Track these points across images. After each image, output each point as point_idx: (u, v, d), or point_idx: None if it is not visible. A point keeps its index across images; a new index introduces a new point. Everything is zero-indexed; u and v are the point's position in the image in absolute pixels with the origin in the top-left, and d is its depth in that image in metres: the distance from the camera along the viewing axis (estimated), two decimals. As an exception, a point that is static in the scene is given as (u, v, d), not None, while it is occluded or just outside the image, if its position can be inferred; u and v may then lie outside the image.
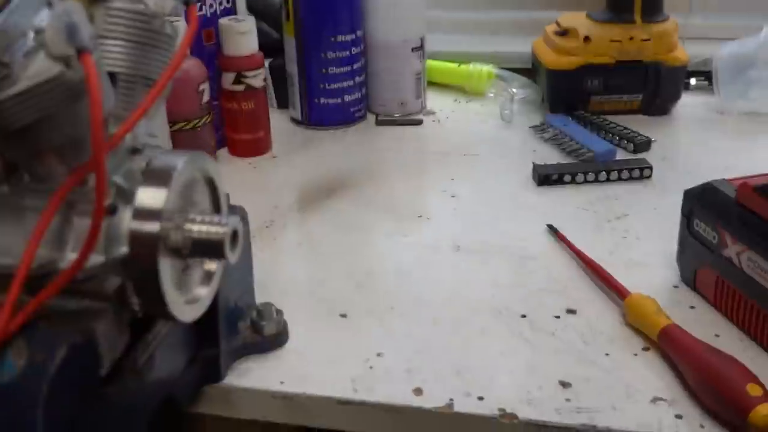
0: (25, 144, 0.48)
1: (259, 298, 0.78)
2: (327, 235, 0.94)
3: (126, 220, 0.52)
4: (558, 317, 0.77)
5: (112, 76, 0.55)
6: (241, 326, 0.73)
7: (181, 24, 1.02)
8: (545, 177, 1.04)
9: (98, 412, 0.51)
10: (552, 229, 0.92)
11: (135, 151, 0.55)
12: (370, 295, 0.82)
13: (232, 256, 0.56)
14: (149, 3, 0.55)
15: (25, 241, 0.52)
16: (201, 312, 0.58)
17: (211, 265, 0.58)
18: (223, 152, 1.16)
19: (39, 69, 0.45)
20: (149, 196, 0.52)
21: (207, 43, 1.11)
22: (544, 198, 1.01)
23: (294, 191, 1.06)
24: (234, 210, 0.72)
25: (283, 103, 1.30)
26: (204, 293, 0.58)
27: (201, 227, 0.54)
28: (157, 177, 0.53)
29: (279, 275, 0.86)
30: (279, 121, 1.26)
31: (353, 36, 1.21)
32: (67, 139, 0.48)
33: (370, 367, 0.71)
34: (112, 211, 0.52)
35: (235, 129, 1.14)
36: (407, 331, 0.76)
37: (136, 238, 0.51)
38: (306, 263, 0.89)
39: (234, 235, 0.56)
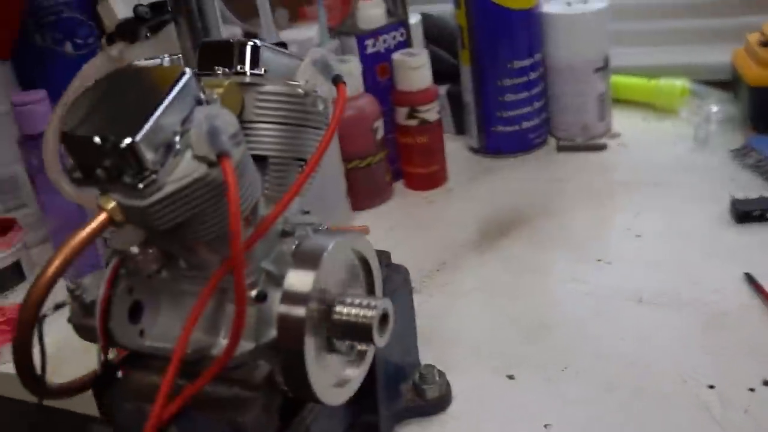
0: (175, 239, 0.49)
1: (424, 350, 0.76)
2: (499, 279, 0.91)
3: (275, 305, 0.52)
4: (753, 390, 0.68)
5: (264, 160, 0.55)
6: (403, 389, 0.72)
7: (354, 64, 1.03)
8: (745, 213, 0.93)
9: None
10: (751, 279, 0.82)
11: (285, 233, 0.55)
12: (540, 352, 0.77)
13: (380, 341, 0.54)
14: (300, 83, 0.55)
15: (182, 326, 0.54)
16: (349, 395, 0.57)
17: (363, 346, 0.57)
18: (399, 186, 1.16)
19: (185, 171, 0.46)
20: (297, 280, 0.52)
21: (381, 77, 1.11)
22: (743, 238, 0.91)
23: (469, 227, 1.03)
24: (396, 270, 0.71)
25: (461, 130, 1.27)
26: (354, 375, 0.57)
27: (350, 310, 0.53)
28: (306, 260, 0.52)
29: (446, 324, 0.84)
30: (457, 149, 1.24)
31: (531, 60, 1.15)
32: (216, 233, 0.48)
33: (536, 440, 0.67)
34: (262, 298, 0.52)
35: (410, 163, 1.13)
36: (579, 397, 0.71)
37: (283, 322, 0.51)
38: (475, 311, 0.86)
39: (383, 318, 0.54)
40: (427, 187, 1.14)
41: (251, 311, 0.52)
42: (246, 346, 0.52)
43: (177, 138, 0.46)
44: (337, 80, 0.54)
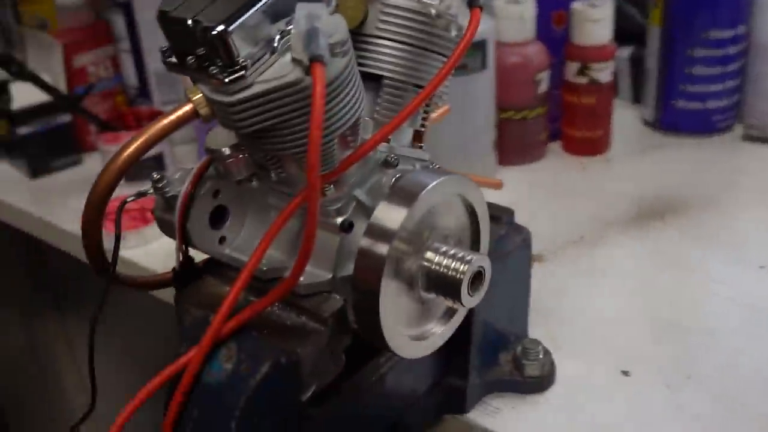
0: (261, 147, 0.45)
1: (535, 324, 0.70)
2: (639, 267, 0.82)
3: (360, 237, 0.48)
4: None
5: (379, 80, 0.50)
6: (502, 358, 0.66)
7: (527, 6, 0.94)
8: None
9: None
10: None
11: (388, 164, 0.49)
12: (665, 353, 0.68)
13: (469, 300, 0.48)
14: (434, 2, 0.49)
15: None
16: (428, 351, 0.51)
17: (450, 303, 0.52)
18: (555, 146, 1.07)
19: (277, 72, 0.42)
20: (386, 215, 0.47)
21: (556, 26, 1.02)
22: None
23: (620, 204, 0.93)
24: (516, 231, 0.64)
25: (638, 98, 1.16)
26: (438, 332, 0.52)
27: (441, 260, 0.48)
28: (401, 194, 0.47)
29: (567, 302, 0.76)
30: (627, 119, 1.13)
31: (733, 32, 1.02)
32: (303, 148, 0.44)
33: (639, 448, 0.59)
34: (347, 227, 0.48)
35: (571, 124, 1.04)
36: (700, 413, 0.62)
37: (363, 257, 0.47)
38: (602, 294, 0.78)
39: (477, 276, 0.48)
40: (586, 152, 1.04)
41: (333, 239, 0.48)
42: (322, 275, 0.48)
43: (278, 36, 0.42)
44: (473, 3, 0.47)
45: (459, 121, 0.93)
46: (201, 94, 0.43)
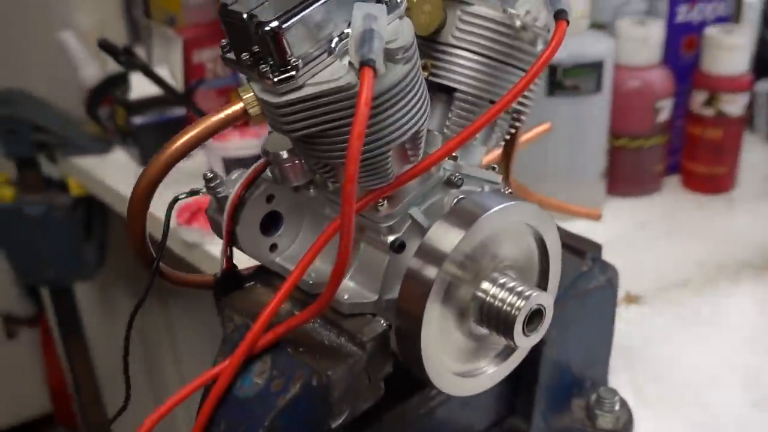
0: (313, 153, 0.42)
1: (619, 371, 0.64)
2: (749, 322, 0.74)
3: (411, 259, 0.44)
4: None
5: (451, 91, 0.47)
6: (575, 404, 0.61)
7: (655, 28, 0.88)
8: None
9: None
10: None
11: (450, 183, 0.46)
12: (763, 426, 0.61)
13: (524, 340, 0.44)
14: (519, 12, 0.45)
15: (318, 253, 0.48)
16: (476, 390, 0.47)
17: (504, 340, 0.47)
18: (673, 180, 0.99)
19: (330, 75, 0.39)
20: (441, 235, 0.43)
21: (686, 51, 0.95)
22: None
23: (738, 249, 0.85)
24: (602, 268, 0.59)
25: (775, 136, 1.06)
26: (489, 371, 0.47)
27: (497, 292, 0.44)
28: (461, 216, 0.43)
29: (662, 351, 0.70)
30: (759, 157, 1.03)
31: None
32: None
33: None
34: (398, 247, 0.44)
35: (692, 158, 0.96)
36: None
37: (409, 278, 0.43)
38: (704, 349, 0.70)
39: (536, 314, 0.44)
40: (706, 190, 0.96)
41: (382, 259, 0.45)
42: (367, 296, 0.45)
43: (336, 38, 0.39)
44: (559, 16, 0.43)
45: (567, 144, 0.88)
46: (252, 93, 0.41)
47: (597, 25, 0.94)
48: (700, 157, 0.95)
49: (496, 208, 0.43)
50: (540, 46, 0.47)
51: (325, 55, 0.39)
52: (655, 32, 0.90)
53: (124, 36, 1.27)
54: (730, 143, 0.94)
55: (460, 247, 0.42)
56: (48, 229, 1.24)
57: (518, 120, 0.48)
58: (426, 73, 0.46)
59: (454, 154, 0.47)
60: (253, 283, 0.50)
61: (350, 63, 0.39)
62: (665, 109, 0.92)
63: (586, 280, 0.58)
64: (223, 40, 0.42)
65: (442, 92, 0.47)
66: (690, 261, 0.83)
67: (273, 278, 0.50)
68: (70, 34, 1.20)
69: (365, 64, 0.36)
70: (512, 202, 0.44)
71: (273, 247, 0.49)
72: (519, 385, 0.57)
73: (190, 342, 1.55)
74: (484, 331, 0.45)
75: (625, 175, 0.95)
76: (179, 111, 1.12)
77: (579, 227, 0.62)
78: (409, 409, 0.50)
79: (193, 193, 0.47)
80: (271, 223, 0.48)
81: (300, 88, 0.39)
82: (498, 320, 0.44)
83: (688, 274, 0.81)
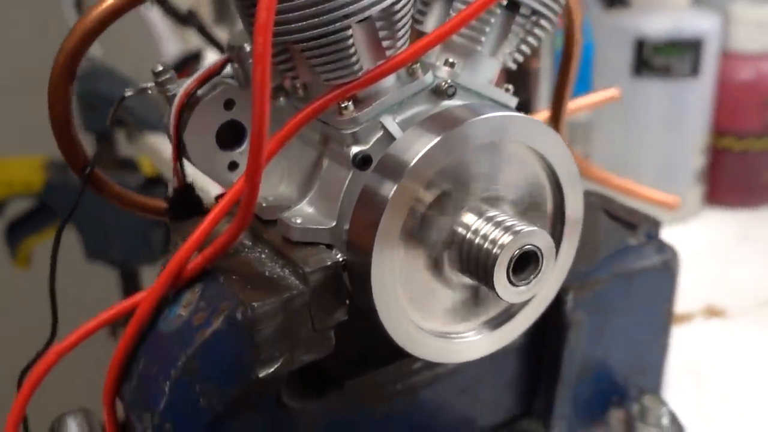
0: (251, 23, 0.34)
1: (680, 388, 0.53)
2: None
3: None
4: None
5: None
6: (613, 417, 0.49)
7: None
8: None
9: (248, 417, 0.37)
10: None
11: (439, 91, 0.36)
12: None
13: (507, 292, 0.34)
14: None
15: (283, 175, 0.40)
16: (453, 360, 0.37)
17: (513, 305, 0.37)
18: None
19: None
20: (407, 143, 0.34)
21: (813, 43, 0.81)
22: None
23: None
24: (657, 248, 0.47)
25: None
26: (472, 339, 0.37)
27: (479, 225, 0.34)
28: (438, 121, 0.34)
29: (734, 372, 0.57)
30: None
31: None
32: (308, 34, 0.33)
33: None
34: (360, 162, 0.35)
35: (813, 167, 0.81)
36: None
37: (364, 197, 0.34)
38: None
39: (525, 258, 0.34)
40: (829, 207, 0.81)
41: (343, 176, 0.36)
42: (322, 221, 0.36)
43: None
44: None
45: (655, 137, 0.76)
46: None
47: (706, 3, 0.82)
48: (823, 166, 0.80)
49: (490, 114, 0.34)
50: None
51: None
52: (774, 13, 0.77)
53: (210, 14, 1.25)
54: None
55: (430, 158, 0.33)
56: (117, 208, 1.22)
57: (540, 25, 0.38)
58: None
59: (450, 60, 0.37)
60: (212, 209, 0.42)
61: None
62: (781, 107, 0.78)
63: (635, 256, 0.46)
64: None
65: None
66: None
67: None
68: (155, 11, 1.19)
69: None
70: (514, 114, 0.35)
71: (233, 166, 0.41)
72: (539, 381, 0.47)
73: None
74: (465, 279, 0.35)
75: (728, 182, 0.81)
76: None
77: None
78: (382, 380, 0.41)
79: (142, 90, 0.40)
80: (231, 136, 0.41)
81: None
82: (478, 262, 0.34)
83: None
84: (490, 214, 0.34)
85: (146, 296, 0.36)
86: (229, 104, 0.40)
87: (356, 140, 0.36)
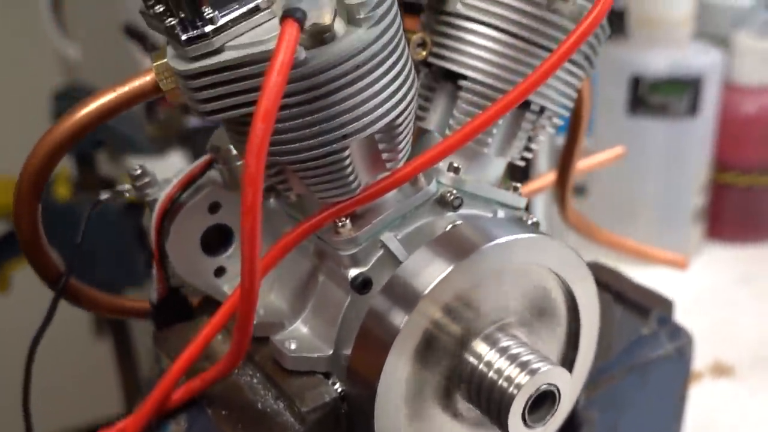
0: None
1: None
2: None
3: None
4: None
5: (457, 78, 0.34)
6: (625, 506, 0.46)
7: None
8: None
9: None
10: None
11: (444, 202, 0.33)
12: None
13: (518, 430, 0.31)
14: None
15: (273, 283, 0.37)
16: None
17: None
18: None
19: (256, 36, 0.28)
20: (418, 268, 0.31)
21: (817, 74, 0.78)
22: None
23: None
24: (671, 333, 0.44)
25: None
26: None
27: (493, 358, 0.31)
28: (449, 245, 0.31)
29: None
30: None
31: None
32: (292, 155, 0.30)
33: None
34: (360, 285, 0.32)
35: (817, 202, 0.79)
36: None
37: (369, 324, 0.31)
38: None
39: (542, 398, 0.31)
40: (833, 243, 0.79)
41: (341, 299, 0.33)
42: (319, 348, 0.33)
43: (271, -11, 0.28)
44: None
45: (653, 176, 0.73)
46: (165, 59, 0.30)
47: (708, 36, 0.79)
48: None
49: (503, 240, 0.31)
50: (567, 14, 0.34)
51: (257, 10, 0.28)
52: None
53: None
54: None
55: (445, 286, 0.30)
56: (100, 230, 1.18)
57: (550, 121, 0.35)
58: (424, 53, 0.34)
59: (455, 164, 0.34)
60: (200, 318, 0.39)
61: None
62: (785, 141, 0.76)
63: (648, 346, 0.44)
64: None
65: (446, 80, 0.35)
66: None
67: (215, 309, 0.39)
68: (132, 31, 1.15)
69: (288, 14, 0.25)
70: (528, 235, 0.32)
71: (219, 271, 0.38)
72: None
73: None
74: (473, 411, 0.33)
75: (731, 217, 0.79)
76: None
77: (661, 276, 0.47)
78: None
79: (118, 194, 0.37)
80: (217, 240, 0.37)
81: (217, 52, 0.28)
82: (490, 400, 0.31)
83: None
84: (504, 344, 0.31)
85: (130, 424, 0.33)
86: (214, 207, 0.36)
87: (355, 261, 0.32)
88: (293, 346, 0.33)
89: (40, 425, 0.38)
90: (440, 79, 0.35)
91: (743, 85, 0.75)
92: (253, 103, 0.28)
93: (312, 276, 0.35)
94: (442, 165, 0.34)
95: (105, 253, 1.20)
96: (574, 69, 0.35)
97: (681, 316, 0.45)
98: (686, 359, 0.45)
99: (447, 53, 0.34)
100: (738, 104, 0.75)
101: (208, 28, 0.27)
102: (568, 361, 0.36)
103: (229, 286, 0.38)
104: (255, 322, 0.35)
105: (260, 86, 0.27)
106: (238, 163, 0.35)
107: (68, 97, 1.18)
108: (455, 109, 0.34)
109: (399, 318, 0.30)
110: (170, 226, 0.35)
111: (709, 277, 0.74)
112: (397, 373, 0.30)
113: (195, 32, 0.28)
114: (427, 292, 0.30)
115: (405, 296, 0.30)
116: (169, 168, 1.09)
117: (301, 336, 0.34)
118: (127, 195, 0.37)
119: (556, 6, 0.33)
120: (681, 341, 0.45)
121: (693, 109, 0.69)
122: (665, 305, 0.46)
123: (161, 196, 0.35)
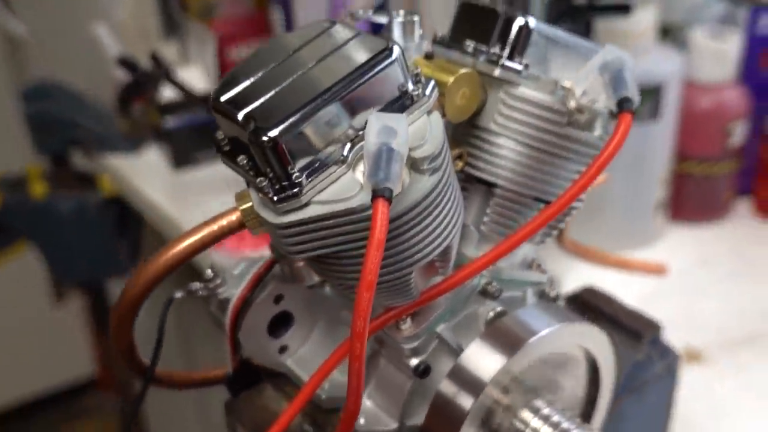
0: (322, 272, 0.36)
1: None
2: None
3: (438, 381, 0.38)
4: None
5: (490, 186, 0.40)
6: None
7: (732, 42, 0.79)
8: None
9: None
10: None
11: (486, 293, 0.39)
12: None
13: (566, 490, 0.38)
14: (576, 93, 0.37)
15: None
16: None
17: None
18: (744, 204, 0.90)
19: (341, 192, 0.33)
20: (478, 360, 0.37)
21: (765, 68, 0.85)
22: None
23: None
24: (661, 354, 0.52)
25: None
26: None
27: (537, 425, 0.37)
28: (502, 338, 0.37)
29: (724, 427, 0.62)
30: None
31: None
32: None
33: None
34: (422, 372, 0.38)
35: (766, 185, 0.87)
36: None
37: (439, 405, 0.37)
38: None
39: (580, 456, 0.38)
40: (781, 219, 0.87)
41: (404, 383, 0.39)
42: (386, 423, 0.39)
43: (348, 144, 0.33)
44: (623, 106, 0.36)
45: (619, 175, 0.79)
46: (250, 204, 0.34)
47: (667, 30, 0.85)
48: (774, 184, 0.86)
49: (545, 332, 0.37)
50: (597, 131, 0.39)
51: (335, 166, 0.33)
52: (732, 47, 0.80)
53: (159, 29, 1.21)
54: (809, 170, 0.84)
55: (500, 375, 0.36)
56: (79, 226, 1.21)
57: (568, 215, 0.41)
58: (461, 164, 0.39)
59: (491, 255, 0.40)
60: (263, 384, 0.45)
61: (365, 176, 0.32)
62: (738, 132, 0.83)
63: (643, 370, 0.51)
64: (219, 132, 0.36)
65: (479, 183, 0.40)
66: (759, 308, 0.75)
67: (283, 381, 0.44)
68: (103, 27, 1.15)
69: (379, 194, 0.30)
70: (564, 324, 0.38)
71: (283, 349, 0.43)
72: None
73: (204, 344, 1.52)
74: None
75: (689, 202, 0.86)
76: (211, 112, 1.07)
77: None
78: None
79: (191, 292, 0.41)
80: (280, 324, 0.42)
81: (304, 207, 0.33)
82: (537, 460, 0.37)
83: (757, 325, 0.73)
84: (545, 411, 0.38)
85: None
86: (278, 299, 0.41)
87: (415, 352, 0.38)
88: (362, 421, 0.39)
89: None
90: (473, 181, 0.40)
91: (699, 82, 0.82)
92: (334, 245, 0.33)
93: (373, 359, 0.40)
94: (479, 255, 0.40)
95: (87, 248, 1.22)
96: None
97: (652, 300, 0.51)
98: (674, 374, 0.53)
99: (481, 164, 0.39)
100: (696, 100, 0.82)
101: (296, 189, 0.32)
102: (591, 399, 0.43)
103: (291, 361, 0.43)
104: (323, 396, 0.41)
105: (343, 232, 0.33)
106: (299, 263, 0.40)
107: (37, 97, 1.18)
108: (489, 209, 0.40)
109: (467, 401, 0.36)
110: (242, 321, 0.40)
111: (673, 260, 0.81)
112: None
113: (285, 194, 0.32)
114: (489, 380, 0.36)
115: (471, 382, 0.37)
116: (146, 165, 1.12)
117: (367, 410, 0.40)
118: (200, 294, 0.41)
119: (574, 119, 0.38)
120: (670, 359, 0.52)
121: (655, 113, 0.75)
122: (654, 329, 0.53)
123: (233, 295, 0.40)
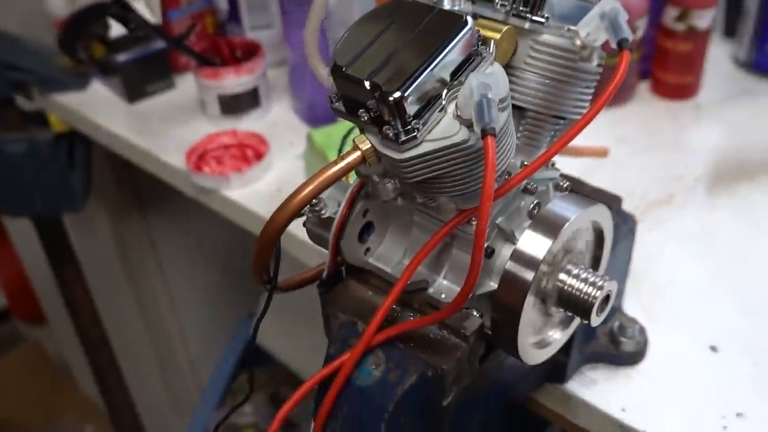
0: (420, 190, 0.49)
1: (629, 294, 0.74)
2: (728, 231, 0.85)
3: (502, 259, 0.52)
4: None
5: (521, 109, 0.53)
6: (599, 332, 0.71)
7: None
8: None
9: (437, 425, 0.55)
10: None
11: (527, 190, 0.53)
12: (755, 329, 0.73)
13: (596, 320, 0.53)
14: (581, 35, 0.50)
15: (405, 253, 0.55)
16: (547, 356, 0.57)
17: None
18: (644, 87, 1.07)
19: (445, 131, 0.45)
20: (533, 244, 0.51)
21: (658, -32, 1.00)
22: None
23: (709, 157, 0.95)
24: (624, 220, 0.67)
25: (731, 31, 1.14)
26: (557, 337, 0.57)
27: (575, 282, 0.52)
28: (546, 226, 0.51)
29: (657, 269, 0.80)
30: (719, 56, 1.12)
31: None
32: (462, 191, 0.48)
33: (724, 428, 0.65)
34: (490, 253, 0.52)
35: (663, 68, 1.04)
36: (783, 392, 0.67)
37: (508, 281, 0.51)
38: (691, 263, 0.81)
39: (605, 299, 0.53)
40: (675, 96, 1.05)
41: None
42: (461, 295, 0.53)
43: (444, 92, 0.45)
44: (622, 45, 0.49)
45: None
46: (370, 145, 0.46)
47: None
48: (671, 68, 1.03)
49: (574, 217, 0.51)
50: (595, 62, 0.53)
51: (437, 111, 0.45)
52: None
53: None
54: (698, 54, 1.01)
55: (548, 254, 0.50)
56: (31, 165, 1.25)
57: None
58: (499, 95, 0.52)
59: (526, 162, 0.53)
60: (346, 280, 0.57)
61: (458, 116, 0.45)
62: (640, 29, 0.98)
63: (615, 232, 0.66)
64: (333, 93, 0.46)
65: (515, 108, 0.53)
66: (670, 174, 0.92)
67: (364, 274, 0.57)
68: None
69: (488, 132, 0.42)
70: (584, 209, 0.52)
71: (366, 251, 0.55)
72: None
73: (173, 252, 1.61)
74: (558, 311, 0.54)
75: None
76: (160, 44, 1.12)
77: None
78: (488, 366, 0.59)
79: (302, 215, 0.53)
80: (363, 231, 0.55)
81: (419, 144, 0.45)
82: (576, 306, 0.52)
83: (670, 188, 0.90)
84: (576, 272, 0.52)
85: (347, 360, 0.51)
86: (365, 213, 0.53)
87: (482, 239, 0.52)
88: (443, 296, 0.53)
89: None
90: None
91: None
92: (441, 169, 0.46)
93: (445, 248, 0.53)
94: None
95: (40, 186, 1.27)
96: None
97: (586, 176, 0.67)
98: (633, 233, 0.69)
99: (516, 94, 0.52)
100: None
101: (415, 134, 0.44)
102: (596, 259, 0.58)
103: (373, 258, 0.56)
104: (411, 280, 0.54)
105: (448, 160, 0.45)
106: (379, 185, 0.52)
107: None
108: (521, 127, 0.53)
109: (529, 275, 0.50)
110: (344, 233, 0.52)
111: (595, 140, 0.97)
112: (528, 302, 0.51)
113: (408, 137, 0.44)
114: (542, 257, 0.50)
115: (530, 261, 0.50)
116: (97, 99, 1.17)
117: (446, 288, 0.53)
118: (308, 215, 0.53)
119: (580, 53, 0.51)
120: (630, 224, 0.68)
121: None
122: (617, 201, 0.68)
123: (334, 213, 0.52)
